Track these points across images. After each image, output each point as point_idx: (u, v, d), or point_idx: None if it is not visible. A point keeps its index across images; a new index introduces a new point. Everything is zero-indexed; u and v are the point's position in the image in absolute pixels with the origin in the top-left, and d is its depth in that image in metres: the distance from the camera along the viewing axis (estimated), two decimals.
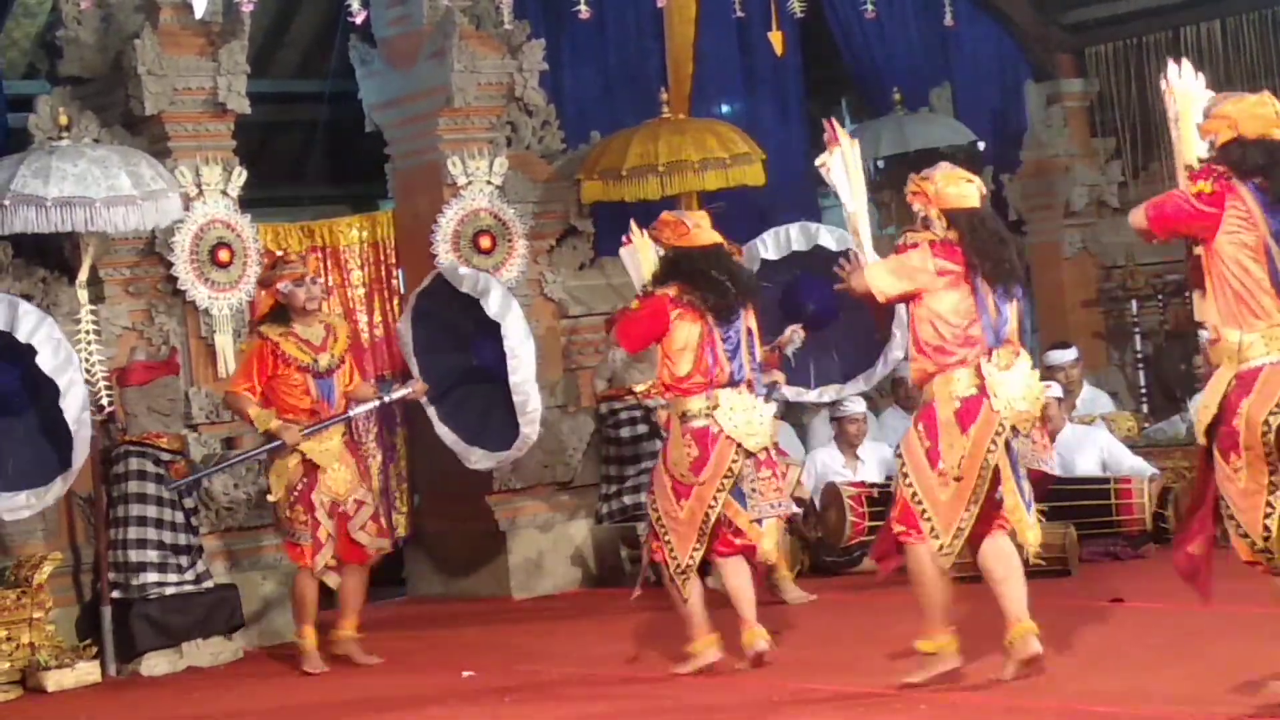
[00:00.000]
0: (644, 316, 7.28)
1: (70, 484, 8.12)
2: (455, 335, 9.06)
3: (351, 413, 8.39)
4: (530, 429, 8.90)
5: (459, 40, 9.93)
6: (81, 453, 7.97)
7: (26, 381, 7.98)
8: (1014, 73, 13.29)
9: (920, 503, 6.39)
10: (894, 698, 6.44)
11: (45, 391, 7.92)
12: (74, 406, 7.85)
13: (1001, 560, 6.50)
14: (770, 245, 9.83)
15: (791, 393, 8.98)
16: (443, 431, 9.16)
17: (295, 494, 8.06)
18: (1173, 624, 7.35)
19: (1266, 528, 5.45)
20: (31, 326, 7.83)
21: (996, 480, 6.42)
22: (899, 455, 6.56)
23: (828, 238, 9.74)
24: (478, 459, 9.16)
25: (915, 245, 6.46)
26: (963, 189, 6.52)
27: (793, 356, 8.43)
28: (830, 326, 9.06)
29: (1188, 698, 6.00)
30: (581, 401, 10.49)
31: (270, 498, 8.19)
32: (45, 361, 7.80)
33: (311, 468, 8.09)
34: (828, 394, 9.71)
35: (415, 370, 9.06)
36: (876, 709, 6.35)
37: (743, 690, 6.89)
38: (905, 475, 6.45)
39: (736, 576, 7.25)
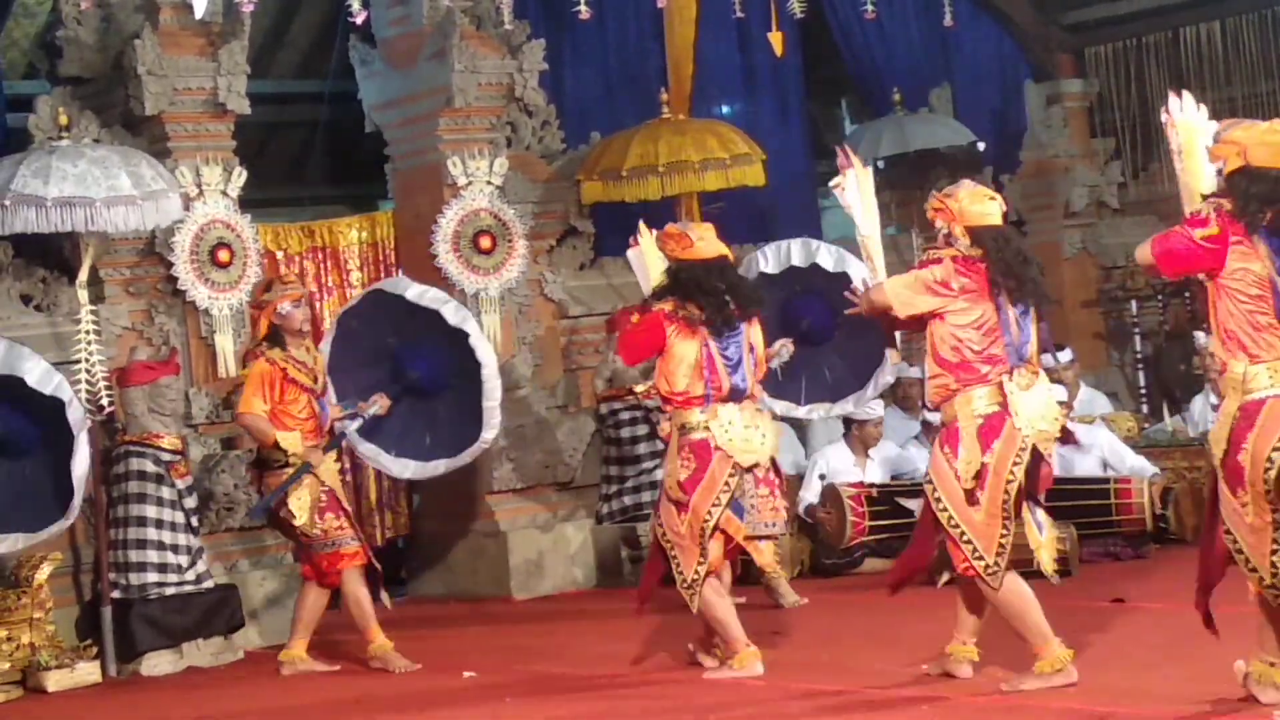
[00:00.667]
0: (641, 331, 7.29)
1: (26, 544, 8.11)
2: (376, 352, 8.73)
3: (350, 428, 8.41)
4: (491, 434, 8.83)
5: (459, 40, 9.93)
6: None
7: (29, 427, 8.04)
8: (1014, 73, 13.30)
9: (958, 527, 6.35)
10: (894, 698, 6.45)
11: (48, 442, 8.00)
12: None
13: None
14: (770, 259, 9.77)
15: (781, 408, 8.92)
16: (364, 448, 8.81)
17: (322, 505, 8.00)
18: (1173, 624, 7.34)
19: (1274, 565, 5.47)
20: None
21: (1021, 498, 6.42)
22: (929, 482, 6.46)
23: (826, 257, 9.65)
24: (400, 469, 8.90)
25: (938, 261, 6.42)
26: (986, 207, 6.49)
27: (779, 370, 8.40)
28: (824, 344, 9.00)
29: (1188, 698, 6.00)
30: (581, 402, 10.48)
31: (296, 522, 8.01)
32: None
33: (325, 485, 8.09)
34: (817, 412, 9.67)
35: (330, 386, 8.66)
36: (876, 709, 6.35)
37: (743, 690, 6.88)
38: (939, 501, 6.39)
39: (716, 607, 7.15)
